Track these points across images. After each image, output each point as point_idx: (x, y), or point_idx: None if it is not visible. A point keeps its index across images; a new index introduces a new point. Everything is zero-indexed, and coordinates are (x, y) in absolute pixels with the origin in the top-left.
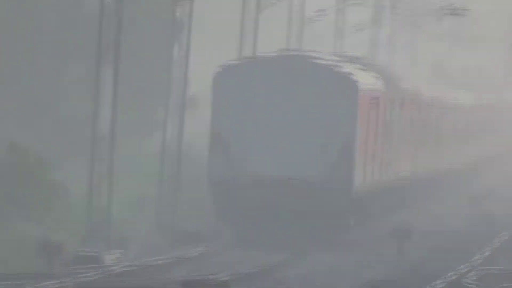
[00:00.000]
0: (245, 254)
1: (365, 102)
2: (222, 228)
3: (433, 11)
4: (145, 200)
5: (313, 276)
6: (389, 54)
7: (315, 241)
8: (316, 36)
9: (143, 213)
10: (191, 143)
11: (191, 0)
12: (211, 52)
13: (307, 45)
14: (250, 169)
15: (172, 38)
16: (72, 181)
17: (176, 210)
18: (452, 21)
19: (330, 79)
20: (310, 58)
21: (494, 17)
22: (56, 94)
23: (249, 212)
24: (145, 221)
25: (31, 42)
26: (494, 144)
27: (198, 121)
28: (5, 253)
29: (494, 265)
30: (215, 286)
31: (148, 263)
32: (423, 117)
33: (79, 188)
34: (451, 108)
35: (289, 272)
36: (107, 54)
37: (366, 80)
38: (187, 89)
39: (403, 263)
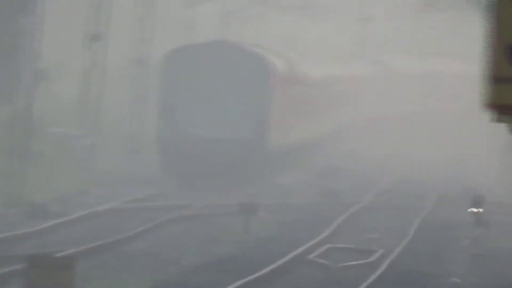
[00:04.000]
0: None
1: (277, 80)
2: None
3: None
4: None
5: (157, 252)
6: (241, 26)
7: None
8: (164, 6)
9: None
10: (43, 116)
11: None
12: (63, 23)
13: (156, 16)
14: (190, 130)
15: (23, 9)
16: None
17: (25, 183)
18: None
19: (251, 61)
20: (235, 44)
21: None
22: None
23: (188, 164)
24: None
25: None
26: (343, 116)
27: (50, 94)
28: None
29: (339, 240)
30: (61, 260)
31: None
32: (312, 91)
33: None
34: (310, 84)
35: (135, 247)
36: None
37: (277, 63)
38: (38, 61)
39: (250, 239)
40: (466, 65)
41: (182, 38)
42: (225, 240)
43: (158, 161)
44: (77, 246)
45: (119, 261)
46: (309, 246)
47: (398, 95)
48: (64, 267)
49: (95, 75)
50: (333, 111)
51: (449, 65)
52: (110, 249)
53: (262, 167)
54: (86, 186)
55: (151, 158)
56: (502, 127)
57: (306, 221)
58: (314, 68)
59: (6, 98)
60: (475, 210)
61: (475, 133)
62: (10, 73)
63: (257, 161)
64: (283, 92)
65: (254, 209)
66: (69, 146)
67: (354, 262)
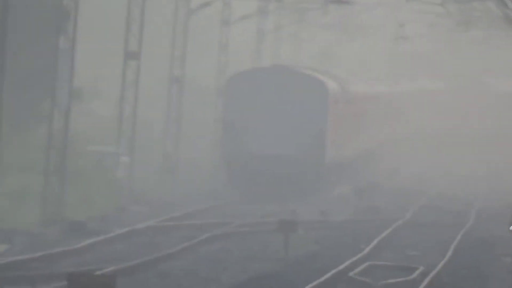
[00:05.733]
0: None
1: (332, 100)
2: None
3: (319, 0)
4: (31, 192)
5: (196, 270)
6: (275, 44)
7: (296, 198)
8: (202, 27)
9: (29, 205)
10: (77, 135)
11: None
12: (98, 43)
13: (192, 35)
14: (253, 148)
15: (58, 27)
16: None
17: (63, 201)
18: (338, 11)
19: (309, 84)
20: (294, 69)
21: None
22: None
23: (252, 178)
24: (31, 213)
25: None
26: (389, 132)
27: (84, 113)
28: None
29: (379, 258)
30: (101, 278)
31: (34, 255)
32: (359, 109)
33: None
34: (372, 99)
35: (174, 264)
36: None
37: (331, 84)
38: (74, 80)
39: (289, 256)
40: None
41: (216, 57)
42: (265, 257)
43: (224, 176)
44: (117, 264)
45: (159, 279)
46: (349, 263)
47: (439, 111)
48: (104, 285)
49: (131, 94)
50: (380, 128)
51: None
52: (149, 267)
53: (320, 181)
54: (124, 204)
55: (186, 177)
56: None
57: (346, 238)
58: (361, 86)
59: (43, 118)
60: None
61: None
62: (47, 92)
63: (316, 176)
64: (337, 111)
65: (293, 227)
66: (106, 164)
67: (395, 280)
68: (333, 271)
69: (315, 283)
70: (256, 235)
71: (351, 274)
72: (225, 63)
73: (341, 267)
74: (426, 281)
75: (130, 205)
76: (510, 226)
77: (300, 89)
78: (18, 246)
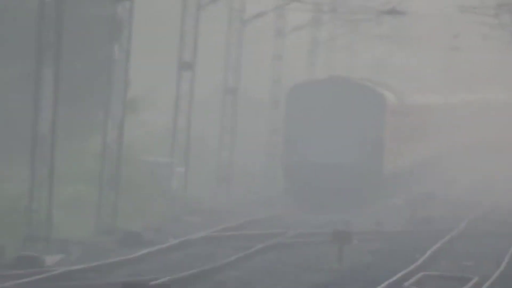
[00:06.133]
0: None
1: (389, 111)
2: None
3: (373, 11)
4: (85, 202)
5: (250, 280)
6: (329, 54)
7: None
8: (256, 37)
9: (84, 215)
10: (131, 145)
11: None
12: (152, 53)
13: (247, 45)
14: (312, 159)
15: (112, 38)
16: (12, 182)
17: (117, 211)
18: (392, 22)
19: (367, 95)
20: (352, 80)
21: (432, 19)
22: None
23: (310, 187)
24: (85, 223)
25: None
26: (444, 142)
27: (138, 123)
28: None
29: (434, 268)
30: None
31: (89, 265)
32: (416, 120)
33: (18, 189)
34: (429, 110)
35: (228, 275)
36: (48, 53)
37: (388, 95)
38: (128, 91)
39: (343, 267)
40: None
41: (270, 67)
42: (319, 268)
43: (283, 185)
44: (172, 274)
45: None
46: (403, 274)
47: (494, 122)
48: None
49: (185, 104)
50: (436, 138)
51: None
52: (204, 277)
53: (377, 191)
54: (179, 214)
55: (240, 187)
56: None
57: (400, 249)
58: (418, 97)
59: (98, 128)
60: None
61: None
62: (101, 103)
63: (375, 185)
64: (394, 121)
65: (347, 238)
66: (161, 175)
67: None
68: (387, 282)
69: None
70: (311, 246)
71: (405, 284)
72: (279, 74)
73: (395, 277)
74: None
75: (185, 216)
76: None
77: (358, 99)
78: (73, 256)
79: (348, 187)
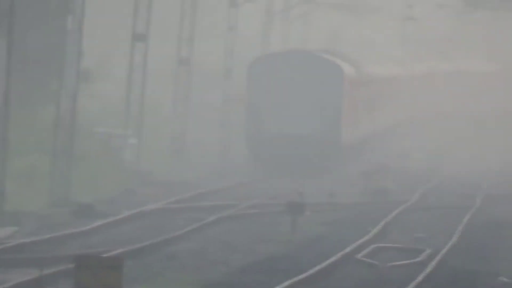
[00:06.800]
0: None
1: (347, 83)
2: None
3: None
4: (38, 173)
5: (203, 252)
6: (284, 24)
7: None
8: (210, 8)
9: (37, 186)
10: (85, 117)
11: None
12: (106, 25)
13: (200, 17)
14: (274, 130)
15: (65, 8)
16: None
17: (70, 183)
18: None
19: (325, 67)
20: (311, 52)
21: None
22: None
23: (273, 156)
24: (38, 195)
25: None
26: (402, 113)
27: (91, 94)
28: None
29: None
30: (109, 260)
31: (42, 237)
32: (374, 91)
33: None
34: (388, 81)
35: (181, 247)
36: (1, 23)
37: (347, 67)
38: (81, 62)
39: (296, 239)
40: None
41: (224, 38)
42: (272, 239)
43: (247, 155)
44: (124, 247)
45: (166, 261)
46: (356, 245)
47: (452, 94)
48: (112, 268)
49: (139, 76)
50: (393, 109)
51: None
52: (157, 250)
53: (337, 161)
54: (132, 186)
55: (194, 158)
56: None
57: (353, 221)
58: (376, 68)
59: (51, 99)
60: None
61: None
62: (54, 73)
63: (333, 155)
64: (351, 92)
65: (301, 209)
66: (113, 146)
67: (402, 262)
68: (340, 253)
69: (322, 265)
70: (264, 217)
71: (358, 256)
72: (232, 44)
73: (348, 249)
74: (433, 263)
75: (138, 187)
76: None
77: (317, 71)
78: (26, 228)
79: (308, 158)
